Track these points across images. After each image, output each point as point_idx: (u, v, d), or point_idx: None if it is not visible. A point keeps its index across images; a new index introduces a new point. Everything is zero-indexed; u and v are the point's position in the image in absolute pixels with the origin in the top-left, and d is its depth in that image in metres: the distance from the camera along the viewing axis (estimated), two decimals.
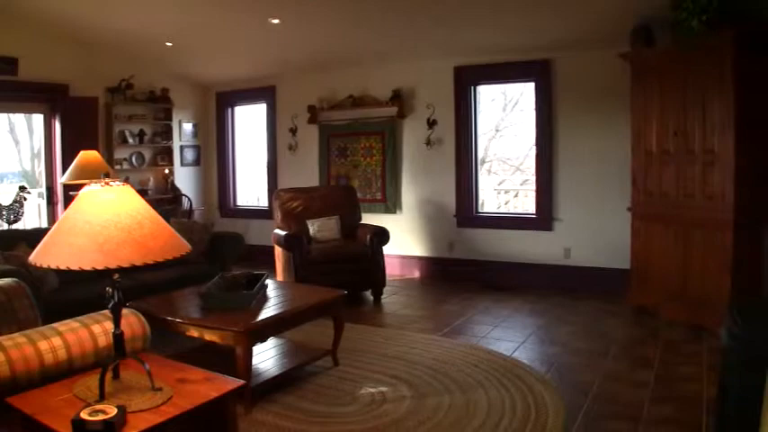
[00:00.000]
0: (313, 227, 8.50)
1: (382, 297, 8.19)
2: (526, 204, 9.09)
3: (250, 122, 11.78)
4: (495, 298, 8.15)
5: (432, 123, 9.38)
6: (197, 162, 11.67)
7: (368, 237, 8.14)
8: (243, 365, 4.51)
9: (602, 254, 8.38)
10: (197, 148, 11.64)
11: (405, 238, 9.74)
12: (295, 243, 7.85)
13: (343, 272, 7.82)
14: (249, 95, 11.40)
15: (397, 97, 9.56)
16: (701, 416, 4.46)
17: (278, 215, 8.69)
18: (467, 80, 9.22)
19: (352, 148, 10.13)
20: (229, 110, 11.75)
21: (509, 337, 6.45)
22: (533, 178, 8.90)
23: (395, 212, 9.85)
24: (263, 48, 9.39)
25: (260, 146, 11.40)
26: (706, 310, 6.39)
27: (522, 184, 9.31)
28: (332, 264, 7.85)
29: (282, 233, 8.07)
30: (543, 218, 8.82)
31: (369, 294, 8.23)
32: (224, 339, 4.63)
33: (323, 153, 10.41)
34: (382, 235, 8.20)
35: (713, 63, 6.23)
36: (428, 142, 9.40)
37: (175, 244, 2.97)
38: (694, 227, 6.56)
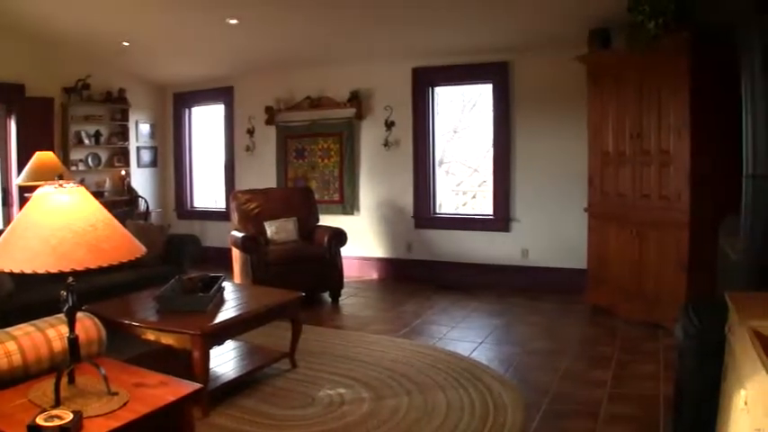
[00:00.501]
0: (270, 228, 8.41)
1: (340, 298, 8.13)
2: (484, 206, 9.10)
3: (207, 123, 11.60)
4: (454, 299, 8.15)
5: (390, 125, 9.36)
6: (154, 163, 11.45)
7: (325, 238, 8.08)
8: (200, 369, 4.43)
9: (560, 254, 8.43)
10: (154, 149, 11.42)
11: (363, 240, 9.68)
12: (252, 245, 7.75)
13: (301, 273, 7.72)
14: (207, 96, 11.22)
15: (355, 98, 9.52)
16: (658, 414, 4.49)
17: (235, 217, 8.57)
18: (425, 82, 9.21)
19: (309, 149, 10.06)
20: (187, 110, 11.55)
21: (467, 337, 6.45)
22: (491, 179, 8.92)
23: (353, 214, 9.80)
24: (221, 48, 9.27)
25: (217, 147, 11.25)
26: (662, 309, 6.45)
27: (479, 186, 9.31)
28: (289, 265, 7.77)
29: (239, 235, 7.95)
30: (500, 219, 8.84)
31: (327, 296, 8.16)
32: (181, 343, 4.55)
33: (280, 154, 10.32)
34: (340, 236, 8.15)
35: (669, 66, 6.29)
36: (386, 143, 9.39)
37: (130, 247, 2.90)
38: (650, 227, 6.62)
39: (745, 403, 2.22)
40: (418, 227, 9.39)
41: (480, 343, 6.25)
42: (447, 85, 9.37)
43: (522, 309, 7.59)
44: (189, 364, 4.46)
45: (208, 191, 11.74)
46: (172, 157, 11.65)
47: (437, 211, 9.45)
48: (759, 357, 2.07)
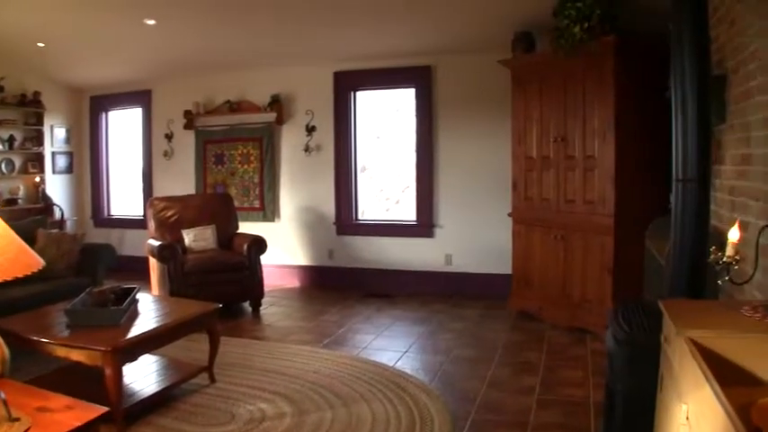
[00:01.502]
0: (188, 236, 8.09)
1: (261, 308, 7.83)
2: (407, 211, 8.96)
3: (125, 128, 11.11)
4: (377, 306, 7.95)
5: (311, 129, 9.15)
6: (70, 169, 10.95)
7: (245, 246, 7.79)
8: (113, 387, 4.11)
9: (484, 259, 8.34)
10: (70, 154, 10.91)
11: (284, 247, 9.44)
12: (169, 254, 7.40)
13: (220, 283, 7.45)
14: (124, 100, 10.75)
15: (276, 102, 9.27)
16: (589, 421, 4.36)
17: (152, 225, 8.21)
18: (346, 86, 9.02)
19: (229, 154, 9.75)
20: (104, 115, 11.06)
21: (391, 346, 6.25)
22: (414, 185, 8.79)
23: (273, 220, 9.53)
24: (138, 50, 8.85)
25: (135, 152, 10.80)
26: (588, 313, 6.41)
27: (403, 191, 9.15)
28: (208, 275, 7.45)
29: (156, 244, 7.59)
30: (424, 224, 8.71)
31: (247, 306, 7.85)
32: (91, 359, 4.21)
33: (199, 160, 9.97)
34: (260, 244, 7.86)
35: (594, 69, 6.25)
36: (307, 149, 9.16)
37: (25, 260, 2.63)
38: (575, 231, 6.55)
39: (687, 418, 2.11)
40: (340, 233, 9.18)
41: (405, 352, 6.05)
42: (369, 89, 9.16)
43: (446, 315, 7.43)
44: (102, 381, 4.17)
45: (126, 198, 11.27)
46: (88, 163, 11.15)
47: (359, 217, 9.25)
48: (702, 371, 1.94)
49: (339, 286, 9.01)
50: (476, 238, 8.42)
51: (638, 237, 5.97)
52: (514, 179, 7.31)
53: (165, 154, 10.25)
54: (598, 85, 6.23)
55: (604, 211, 6.22)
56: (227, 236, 8.33)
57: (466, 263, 8.51)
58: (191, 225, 8.21)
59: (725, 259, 2.52)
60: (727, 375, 2.03)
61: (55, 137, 10.60)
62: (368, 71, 8.85)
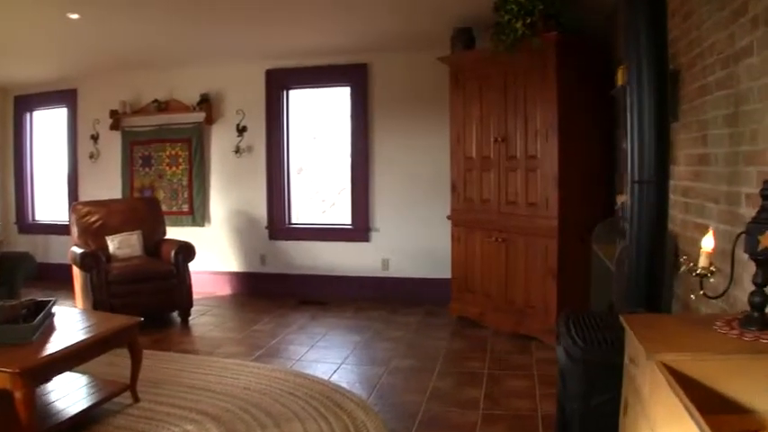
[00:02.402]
0: (112, 243, 7.64)
1: (190, 318, 7.41)
2: (344, 215, 8.65)
3: (51, 129, 10.51)
4: (312, 314, 7.61)
5: (242, 130, 8.77)
6: None
7: (172, 253, 7.38)
8: (24, 411, 3.70)
9: (423, 263, 8.11)
10: None
11: (214, 253, 9.04)
12: (92, 262, 6.94)
13: (147, 293, 7.06)
14: (49, 99, 10.15)
15: (205, 102, 8.85)
16: None
17: (75, 231, 7.72)
18: (279, 84, 8.67)
19: (156, 156, 9.29)
20: (28, 115, 10.46)
21: (327, 357, 5.92)
22: (349, 187, 8.50)
23: (203, 225, 9.12)
24: (62, 46, 8.22)
25: (62, 155, 10.20)
26: (532, 320, 6.22)
27: (339, 194, 8.84)
28: (133, 284, 7.02)
29: (79, 251, 7.14)
30: (359, 228, 8.42)
31: (176, 316, 7.43)
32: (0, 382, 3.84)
33: (125, 162, 9.46)
34: (187, 250, 7.46)
35: (536, 67, 6.04)
36: (237, 150, 8.77)
37: None
38: (517, 234, 6.32)
39: None
40: (273, 238, 8.83)
41: (341, 364, 5.73)
42: (302, 87, 8.82)
43: (383, 323, 7.13)
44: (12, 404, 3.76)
45: (52, 202, 10.68)
46: (12, 166, 10.53)
47: (293, 220, 8.91)
48: (682, 402, 1.70)
49: (272, 293, 8.64)
50: (414, 242, 8.18)
51: (582, 240, 5.80)
52: (453, 180, 7.07)
53: (91, 156, 9.70)
54: (540, 84, 6.02)
55: (547, 214, 6.01)
56: (154, 242, 7.91)
57: (404, 267, 8.26)
58: (115, 231, 7.77)
59: (699, 271, 2.27)
60: (707, 403, 1.81)
61: None
62: (301, 69, 8.52)
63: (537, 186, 6.12)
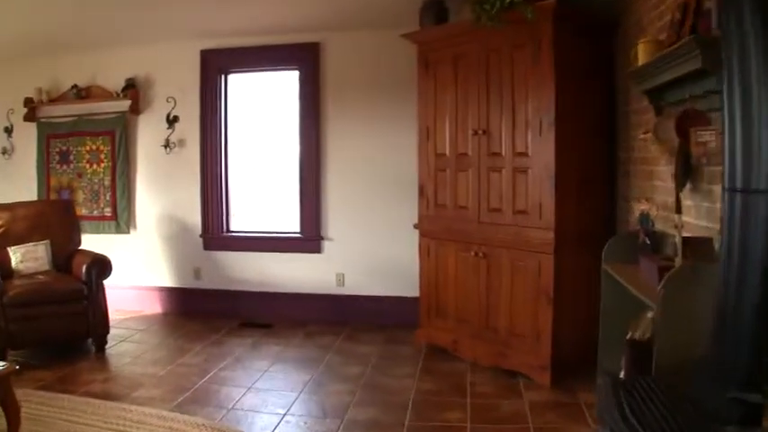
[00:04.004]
0: (15, 256, 6.43)
1: (107, 347, 6.19)
2: (291, 221, 7.50)
3: None
4: (253, 341, 6.47)
5: (172, 121, 7.58)
6: None
7: (83, 268, 6.19)
8: None
9: (384, 280, 7.03)
10: None
11: (141, 265, 7.86)
12: None
13: (52, 316, 5.88)
14: None
15: (131, 88, 7.63)
16: None
17: None
18: (216, 67, 7.49)
19: (75, 151, 8.03)
20: None
21: (267, 405, 4.77)
22: (298, 189, 7.37)
23: (128, 232, 7.90)
24: None
25: None
26: (519, 352, 5.19)
27: (287, 197, 7.66)
28: (36, 306, 5.81)
29: None
30: (309, 237, 7.29)
31: (91, 344, 6.22)
32: None
33: (41, 158, 8.19)
34: (101, 265, 6.24)
35: (526, 44, 5.03)
36: (167, 144, 7.58)
37: None
38: (502, 248, 5.26)
39: None
40: (208, 248, 7.65)
41: (284, 415, 4.54)
42: (243, 71, 7.63)
43: (338, 354, 6.01)
44: None
45: None
46: None
47: (231, 228, 7.75)
48: None
49: (208, 312, 7.48)
50: (373, 254, 7.08)
51: (585, 257, 4.78)
52: (422, 182, 6.01)
53: (4, 152, 8.39)
54: (532, 63, 4.97)
55: (541, 224, 4.95)
56: (66, 254, 6.70)
57: (361, 283, 7.15)
58: (19, 240, 6.59)
59: None
60: None
61: None
62: (242, 49, 7.35)
63: (527, 190, 5.08)
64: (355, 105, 7.08)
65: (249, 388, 5.13)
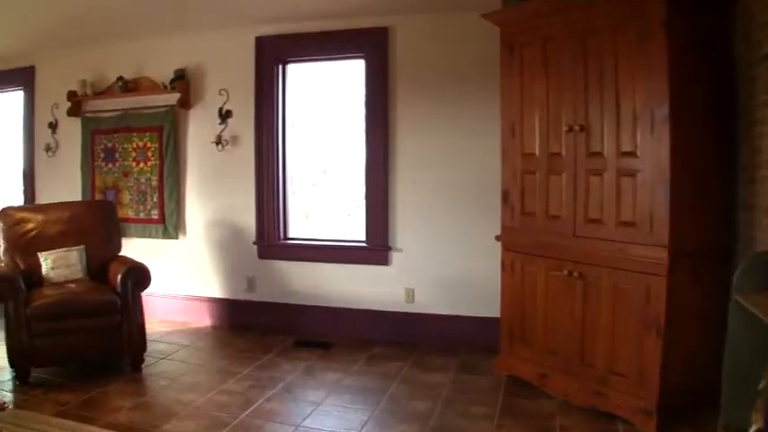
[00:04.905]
0: (46, 262, 5.96)
1: (144, 366, 5.66)
2: (357, 229, 6.80)
3: (8, 116, 8.92)
4: (308, 365, 5.81)
5: (225, 115, 7.02)
6: None
7: (118, 277, 5.62)
8: None
9: (460, 297, 6.30)
10: None
11: (190, 273, 7.34)
12: (6, 289, 5.28)
13: (81, 331, 5.36)
14: (3, 80, 8.51)
15: (181, 80, 7.11)
16: None
17: (1, 244, 6.12)
18: (272, 56, 6.88)
19: (122, 149, 7.56)
20: None
21: None
22: (363, 193, 6.67)
23: (176, 237, 7.38)
24: (16, 14, 6.79)
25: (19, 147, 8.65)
26: (619, 392, 4.40)
27: (355, 201, 6.96)
28: (62, 320, 5.31)
29: None
30: (375, 247, 6.60)
31: (127, 361, 5.67)
32: None
33: (85, 156, 7.78)
34: (138, 275, 5.68)
35: (632, 21, 4.25)
36: (219, 141, 7.01)
37: None
38: (602, 267, 4.48)
39: None
40: (263, 256, 7.05)
41: None
42: (303, 60, 6.99)
43: (404, 384, 5.30)
44: None
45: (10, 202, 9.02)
46: None
47: (289, 235, 7.11)
48: None
49: (261, 327, 6.91)
50: (448, 268, 6.36)
51: (703, 281, 3.99)
52: (505, 187, 5.26)
53: (48, 149, 8.04)
54: (639, 46, 4.20)
55: (651, 239, 4.16)
56: (103, 261, 6.20)
57: (433, 301, 6.43)
58: (52, 245, 6.14)
59: None
60: None
61: None
62: (301, 36, 6.72)
63: (635, 198, 4.28)
64: (428, 99, 6.36)
65: (297, 427, 4.45)
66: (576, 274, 4.62)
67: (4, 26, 7.23)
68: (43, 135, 8.11)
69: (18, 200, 8.44)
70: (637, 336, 4.26)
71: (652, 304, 4.15)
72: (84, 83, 7.60)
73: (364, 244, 6.70)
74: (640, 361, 4.24)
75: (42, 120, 8.11)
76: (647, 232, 4.16)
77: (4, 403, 3.40)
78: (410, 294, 6.51)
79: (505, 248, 5.29)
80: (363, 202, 6.69)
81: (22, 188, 8.48)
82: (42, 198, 7.91)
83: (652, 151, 4.12)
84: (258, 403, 4.85)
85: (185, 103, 7.15)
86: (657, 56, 4.07)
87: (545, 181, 4.89)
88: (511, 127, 5.17)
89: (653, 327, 4.15)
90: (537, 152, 4.95)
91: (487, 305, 5.88)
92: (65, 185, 7.84)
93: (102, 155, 7.68)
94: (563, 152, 4.72)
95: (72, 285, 5.77)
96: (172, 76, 7.16)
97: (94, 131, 7.70)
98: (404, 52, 6.41)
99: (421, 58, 6.37)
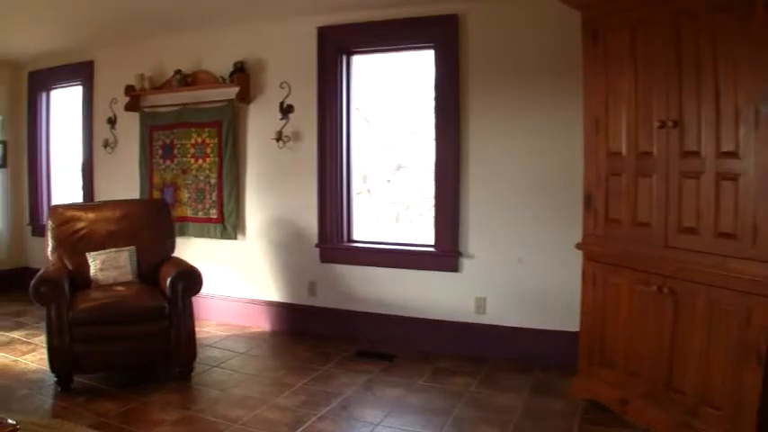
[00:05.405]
0: (95, 263, 5.78)
1: (194, 374, 5.42)
2: (425, 232, 6.40)
3: (68, 111, 8.99)
4: (369, 378, 5.45)
5: (286, 110, 6.73)
6: (3, 164, 8.99)
7: (168, 281, 5.37)
8: None
9: (535, 309, 5.85)
10: (2, 144, 8.94)
11: (250, 275, 7.12)
12: (49, 292, 5.09)
13: (126, 338, 5.17)
14: (65, 74, 8.54)
15: (240, 72, 6.86)
16: None
17: (50, 243, 5.97)
18: (336, 47, 6.55)
19: (180, 145, 7.37)
20: (44, 95, 8.93)
21: None
22: (431, 194, 6.25)
23: (235, 238, 7.15)
24: (75, 7, 6.58)
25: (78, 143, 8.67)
26: (713, 425, 3.87)
27: (423, 202, 6.56)
28: (105, 325, 5.12)
29: (40, 274, 5.29)
30: (445, 252, 6.18)
31: (176, 369, 5.44)
32: None
33: (143, 152, 7.65)
34: (189, 278, 5.42)
35: (731, 3, 3.73)
36: (280, 137, 6.70)
37: None
38: (697, 283, 3.97)
39: None
40: (326, 260, 6.73)
41: None
42: (368, 51, 6.63)
43: (472, 406, 4.87)
44: None
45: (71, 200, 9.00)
46: (25, 157, 9.07)
47: (354, 237, 6.76)
48: None
49: (321, 334, 6.64)
50: (523, 277, 5.90)
51: None
52: (588, 190, 4.79)
53: (106, 144, 8.01)
54: (741, 31, 3.68)
55: (755, 253, 3.64)
56: (154, 262, 5.99)
57: (506, 311, 5.98)
58: (101, 245, 5.96)
59: None
60: None
61: None
62: (366, 25, 6.36)
63: (736, 205, 3.76)
64: (503, 91, 5.92)
65: None
66: (665, 289, 4.13)
67: (64, 20, 7.12)
68: (102, 131, 8.08)
69: (77, 197, 8.39)
70: (734, 363, 3.74)
71: (753, 328, 3.63)
72: (142, 77, 7.48)
73: (432, 249, 6.29)
74: (737, 392, 3.72)
75: (101, 115, 8.08)
76: (750, 245, 3.65)
77: (16, 427, 3.08)
78: (481, 304, 6.07)
79: (587, 258, 4.82)
80: (432, 203, 6.29)
81: (81, 185, 8.48)
82: (101, 195, 7.86)
83: (757, 152, 3.60)
84: (310, 422, 4.51)
85: (245, 98, 6.89)
86: (763, 42, 3.56)
87: (633, 184, 4.40)
88: (594, 123, 4.70)
89: (753, 354, 3.63)
90: (624, 151, 4.47)
91: (565, 318, 5.44)
92: (123, 182, 7.75)
93: (160, 151, 7.53)
94: (654, 151, 4.23)
95: (120, 288, 5.58)
96: (231, 68, 6.93)
97: (152, 127, 7.57)
98: (476, 41, 5.97)
99: (495, 47, 5.93)
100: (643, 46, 4.30)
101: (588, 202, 4.75)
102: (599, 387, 4.70)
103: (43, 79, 8.85)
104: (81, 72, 8.28)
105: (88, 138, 8.28)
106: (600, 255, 4.69)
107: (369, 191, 7.66)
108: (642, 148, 4.31)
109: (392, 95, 6.70)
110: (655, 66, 4.21)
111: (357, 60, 6.69)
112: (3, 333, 6.66)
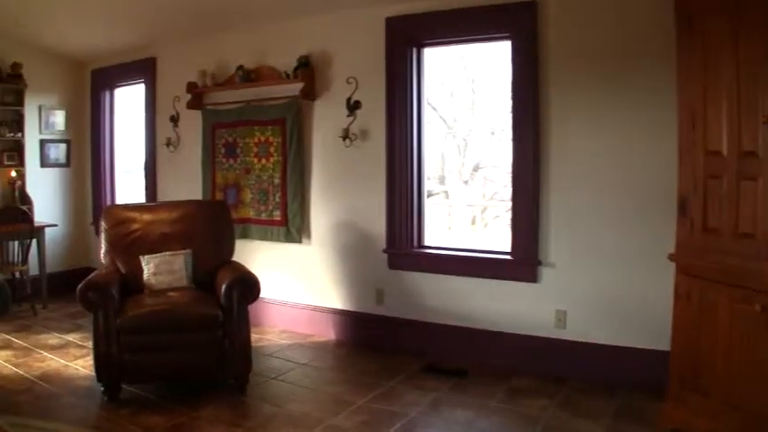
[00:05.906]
0: (148, 267, 5.61)
1: (249, 386, 5.15)
2: (501, 238, 6.01)
3: (132, 109, 9.00)
4: (436, 396, 5.09)
5: (353, 107, 6.42)
6: (66, 162, 9.02)
7: (223, 288, 5.12)
8: None
9: (621, 324, 5.38)
10: (66, 143, 8.98)
11: (315, 281, 6.86)
12: (97, 297, 4.92)
13: (177, 347, 4.97)
14: (127, 72, 8.54)
15: (305, 67, 6.60)
16: None
17: (103, 245, 5.84)
18: (405, 38, 6.20)
19: (243, 143, 7.19)
20: (107, 93, 8.96)
21: None
22: (508, 196, 5.86)
23: (300, 241, 6.90)
24: (138, 4, 6.60)
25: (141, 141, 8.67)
26: None
27: (502, 206, 6.17)
28: (155, 334, 4.93)
29: (90, 278, 5.16)
30: (522, 260, 5.77)
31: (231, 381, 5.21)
32: None
33: (206, 151, 7.51)
34: (246, 286, 5.16)
35: None
36: (346, 135, 6.42)
37: None
38: None
39: None
40: (394, 266, 6.40)
41: None
42: (440, 42, 6.25)
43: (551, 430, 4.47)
44: None
45: (135, 200, 8.97)
46: (89, 157, 9.11)
47: (425, 242, 6.41)
48: None
49: (388, 346, 6.30)
50: (608, 289, 5.44)
51: None
52: (683, 194, 4.32)
53: (169, 143, 7.96)
54: None
55: None
56: (212, 267, 5.75)
57: (589, 326, 5.53)
58: (155, 248, 5.78)
59: None
60: None
61: (45, 120, 8.77)
62: (437, 14, 5.98)
63: None
64: (587, 85, 5.46)
65: None
66: None
67: (127, 18, 7.13)
68: (164, 129, 8.04)
69: (141, 197, 8.38)
70: None
71: None
72: (204, 73, 7.38)
73: (509, 257, 5.88)
74: None
75: (164, 113, 8.03)
76: None
77: None
78: (561, 318, 5.63)
79: (681, 271, 4.35)
80: (509, 207, 5.88)
81: (144, 185, 8.45)
82: (164, 195, 7.84)
83: None
84: None
85: (309, 94, 6.64)
86: None
87: (734, 188, 3.94)
88: (691, 118, 4.24)
89: None
90: (724, 150, 4.01)
91: (654, 336, 4.97)
92: (186, 182, 7.66)
93: (222, 150, 7.38)
94: (759, 151, 3.77)
95: (173, 294, 5.37)
96: (295, 64, 6.69)
97: (215, 125, 7.43)
98: (556, 30, 5.53)
99: (577, 37, 5.48)
100: (745, 31, 3.85)
101: (683, 207, 4.28)
102: (690, 416, 4.22)
103: (106, 77, 8.89)
104: (143, 70, 8.27)
105: (151, 136, 8.25)
106: (695, 268, 4.22)
107: (446, 192, 7.34)
108: (745, 146, 3.84)
109: (467, 92, 6.32)
110: (758, 52, 3.75)
111: (428, 53, 6.34)
112: (59, 335, 6.62)
